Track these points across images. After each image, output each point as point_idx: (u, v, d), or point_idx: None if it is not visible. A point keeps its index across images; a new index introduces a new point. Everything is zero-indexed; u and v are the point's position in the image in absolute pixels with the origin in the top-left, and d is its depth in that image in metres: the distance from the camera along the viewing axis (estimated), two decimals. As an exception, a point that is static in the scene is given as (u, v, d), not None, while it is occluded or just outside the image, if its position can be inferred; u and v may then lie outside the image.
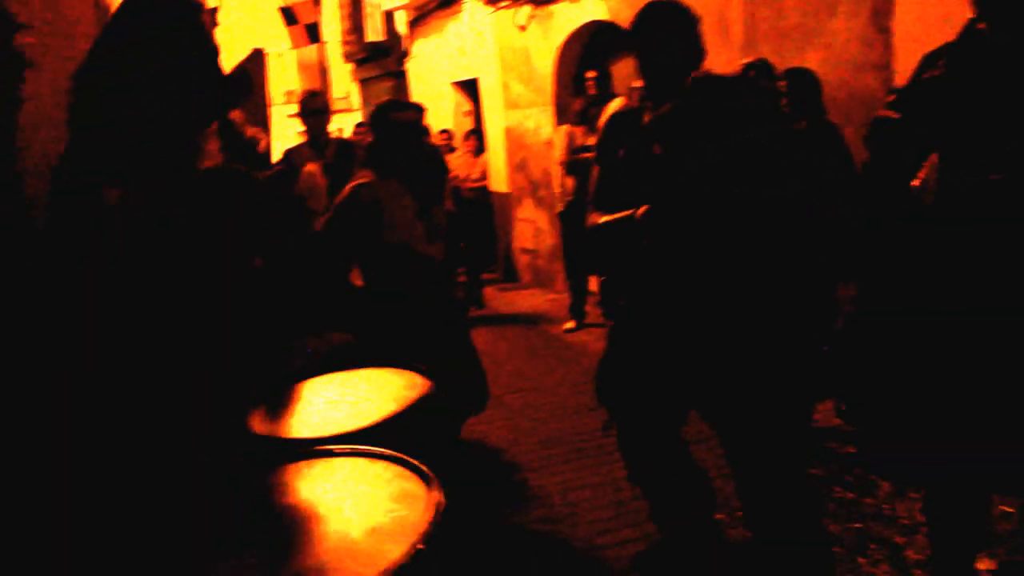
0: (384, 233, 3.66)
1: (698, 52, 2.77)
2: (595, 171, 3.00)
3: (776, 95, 3.95)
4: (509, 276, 10.37)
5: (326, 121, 5.76)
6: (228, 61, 5.31)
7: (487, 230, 10.29)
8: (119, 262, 1.77)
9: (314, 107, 5.59)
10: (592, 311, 7.59)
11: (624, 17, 7.53)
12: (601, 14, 7.91)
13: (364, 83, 15.99)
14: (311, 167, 5.12)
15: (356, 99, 16.99)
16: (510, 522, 3.90)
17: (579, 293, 7.53)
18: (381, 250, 3.70)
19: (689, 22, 2.76)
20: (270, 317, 2.27)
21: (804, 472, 2.83)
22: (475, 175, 10.19)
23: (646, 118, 2.78)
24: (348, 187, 3.74)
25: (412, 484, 1.66)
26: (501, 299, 9.40)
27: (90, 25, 4.52)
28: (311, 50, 17.79)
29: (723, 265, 2.62)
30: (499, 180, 10.29)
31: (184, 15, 1.97)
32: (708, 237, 2.61)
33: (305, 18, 12.13)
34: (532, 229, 9.75)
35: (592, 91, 7.20)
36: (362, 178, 3.74)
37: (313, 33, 12.23)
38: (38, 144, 2.18)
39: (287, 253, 2.59)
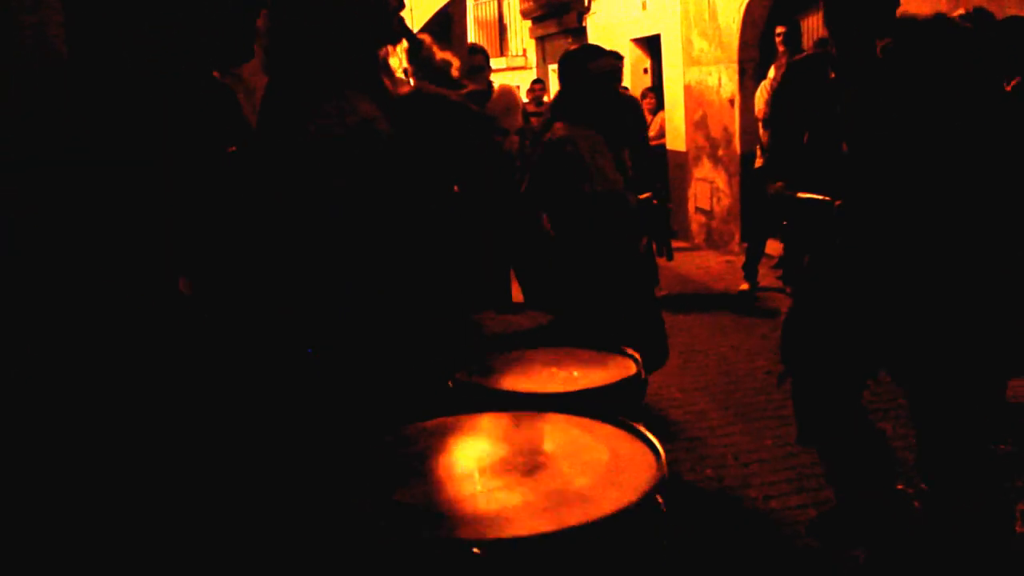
0: (585, 184, 3.54)
1: (890, 19, 2.58)
2: (768, 135, 2.89)
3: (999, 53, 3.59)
4: (682, 236, 10.21)
5: (485, 79, 5.72)
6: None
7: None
8: (325, 187, 1.85)
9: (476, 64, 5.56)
10: (767, 274, 7.39)
11: (818, -32, 7.20)
12: (792, -34, 7.60)
13: (540, 40, 15.97)
14: (507, 85, 4.98)
15: (532, 57, 17.02)
16: (683, 480, 3.88)
17: (755, 255, 7.32)
18: (581, 200, 3.57)
19: None
20: (467, 252, 2.29)
21: (986, 442, 2.70)
22: (652, 133, 10.04)
23: (831, 75, 2.64)
24: (544, 140, 3.66)
25: (630, 443, 1.62)
26: (677, 260, 9.23)
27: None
28: (490, 6, 17.94)
29: (927, 241, 2.49)
30: (676, 139, 10.10)
31: None
32: (913, 223, 2.48)
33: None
34: (709, 189, 9.55)
35: (781, 47, 6.93)
36: (558, 131, 3.62)
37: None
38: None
39: (482, 175, 2.61)
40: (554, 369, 2.18)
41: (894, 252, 2.55)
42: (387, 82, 2.17)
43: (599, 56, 3.69)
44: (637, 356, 2.21)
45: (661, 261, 6.85)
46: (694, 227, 10.00)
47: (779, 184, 2.76)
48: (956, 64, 2.46)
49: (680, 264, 8.99)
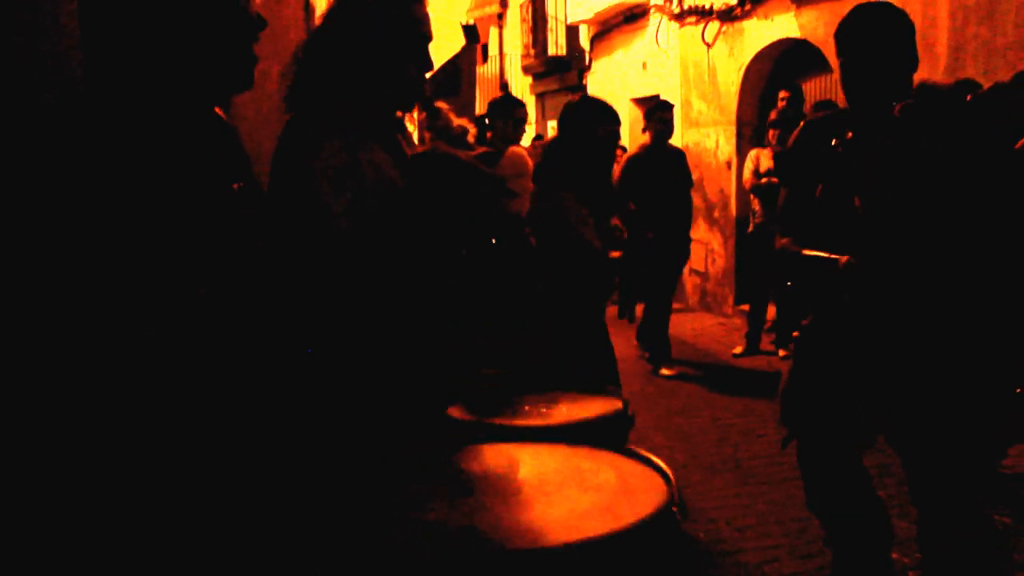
0: (569, 242, 3.43)
1: (911, 62, 2.58)
2: (782, 190, 2.86)
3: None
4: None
5: (521, 133, 5.72)
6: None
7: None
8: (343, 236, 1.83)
9: (519, 117, 5.57)
10: (763, 337, 7.35)
11: (818, 35, 7.30)
12: (792, 31, 7.69)
13: (541, 97, 16.16)
14: (518, 148, 4.94)
15: (532, 113, 17.21)
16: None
17: (758, 319, 7.28)
18: (564, 252, 3.45)
19: (905, 27, 2.58)
20: (471, 309, 2.29)
21: (983, 510, 2.64)
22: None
23: (848, 135, 2.62)
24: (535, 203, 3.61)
25: (635, 466, 1.62)
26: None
27: (300, 31, 4.74)
28: (491, 63, 18.17)
29: (930, 304, 2.47)
30: (672, 198, 10.12)
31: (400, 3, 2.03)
32: (919, 284, 2.45)
33: (483, 37, 12.52)
34: (704, 251, 9.55)
35: (778, 109, 6.99)
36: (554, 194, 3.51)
37: (484, 53, 12.52)
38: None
39: (490, 237, 2.60)
40: (543, 408, 2.26)
41: (901, 311, 2.51)
42: (401, 140, 2.18)
43: (608, 121, 3.55)
44: (621, 394, 2.34)
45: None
46: (688, 288, 9.98)
47: (785, 241, 2.73)
48: (973, 128, 2.46)
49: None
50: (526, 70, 16.69)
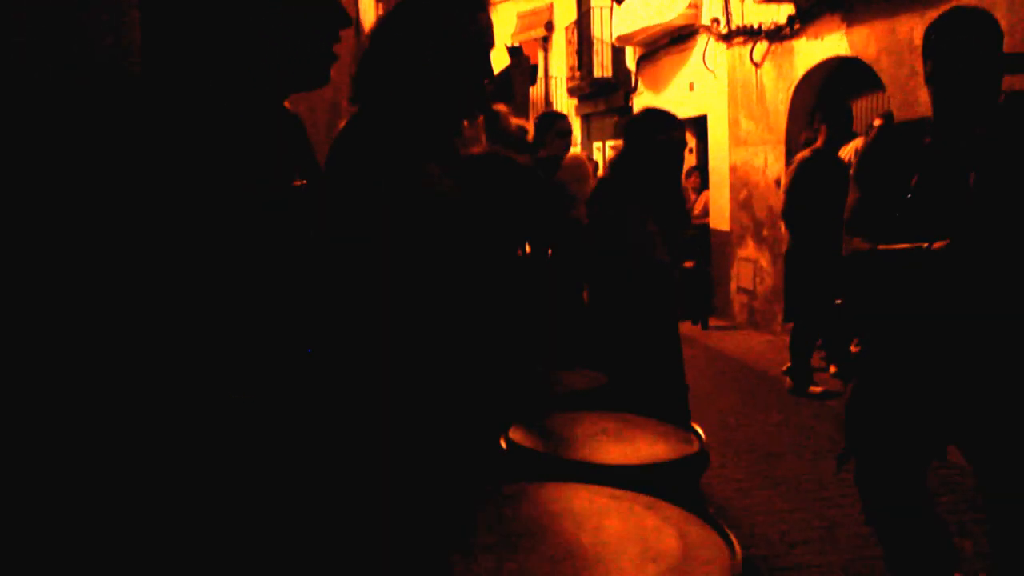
0: (632, 257, 3.46)
1: (1000, 69, 2.54)
2: (851, 195, 2.81)
3: None
4: (724, 315, 10.14)
5: (568, 144, 5.78)
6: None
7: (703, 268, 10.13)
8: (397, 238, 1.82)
9: (561, 128, 5.63)
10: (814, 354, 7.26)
11: (869, 53, 7.27)
12: (842, 50, 7.66)
13: (586, 118, 16.21)
14: (579, 153, 4.93)
15: (578, 135, 17.26)
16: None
17: (809, 336, 7.16)
18: (621, 267, 3.48)
19: (997, 33, 2.53)
20: (532, 311, 2.26)
21: None
22: (696, 211, 10.07)
23: (926, 140, 2.59)
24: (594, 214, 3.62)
25: (700, 530, 1.48)
26: (715, 338, 9.19)
27: (349, 47, 4.81)
28: (537, 85, 18.26)
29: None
30: (720, 218, 10.11)
31: (465, 8, 2.03)
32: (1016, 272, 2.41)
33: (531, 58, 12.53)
34: (752, 269, 9.50)
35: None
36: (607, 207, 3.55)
37: (533, 74, 12.53)
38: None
39: (549, 240, 2.61)
40: (612, 437, 2.07)
41: (1001, 304, 2.46)
42: (458, 145, 2.17)
43: (669, 128, 3.55)
44: (700, 431, 2.11)
45: (701, 337, 6.84)
46: (736, 307, 9.92)
47: (856, 241, 2.68)
48: None
49: (721, 343, 8.92)
50: (572, 92, 16.77)
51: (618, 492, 1.60)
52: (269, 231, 1.41)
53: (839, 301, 5.75)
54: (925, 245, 2.44)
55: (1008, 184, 2.44)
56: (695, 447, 2.00)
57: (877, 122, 7.06)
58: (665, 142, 3.49)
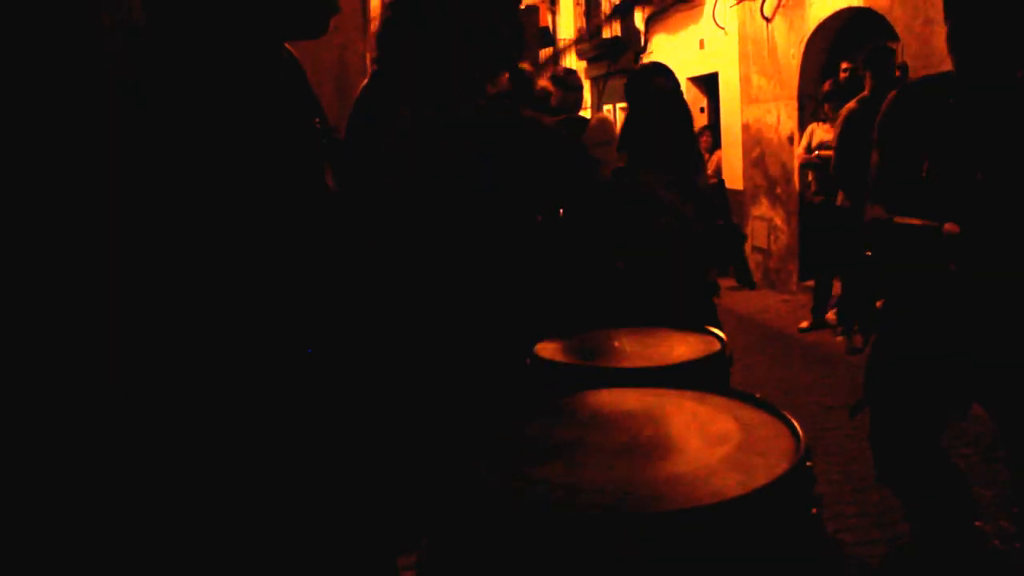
0: (653, 221, 3.37)
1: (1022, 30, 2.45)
2: (874, 156, 2.73)
3: None
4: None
5: (580, 99, 5.67)
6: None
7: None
8: (409, 176, 1.83)
9: (572, 83, 5.55)
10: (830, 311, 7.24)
11: (882, 2, 7.13)
12: (855, 0, 7.52)
13: (596, 81, 16.06)
14: (605, 115, 4.89)
15: (588, 97, 17.11)
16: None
17: (824, 293, 7.14)
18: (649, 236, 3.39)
19: None
20: (548, 272, 2.27)
21: None
22: (709, 171, 9.98)
23: (949, 100, 2.52)
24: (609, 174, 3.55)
25: (754, 414, 1.48)
26: (731, 298, 9.14)
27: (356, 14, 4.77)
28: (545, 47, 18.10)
29: None
30: (733, 177, 10.02)
31: None
32: None
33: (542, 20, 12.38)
34: (766, 227, 9.43)
35: (837, 83, 6.84)
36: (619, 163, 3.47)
37: (543, 38, 12.37)
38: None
39: (570, 202, 2.58)
40: (635, 345, 2.13)
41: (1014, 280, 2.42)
42: (483, 104, 2.17)
43: (662, 73, 3.52)
44: (720, 333, 2.16)
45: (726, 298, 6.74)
46: (751, 266, 9.86)
47: (877, 210, 2.62)
48: None
49: (737, 303, 8.87)
50: (580, 55, 16.60)
51: (661, 391, 1.63)
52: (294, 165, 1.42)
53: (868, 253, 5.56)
54: (933, 225, 2.39)
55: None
56: (715, 347, 2.07)
57: (844, 65, 6.85)
58: (660, 86, 3.45)
